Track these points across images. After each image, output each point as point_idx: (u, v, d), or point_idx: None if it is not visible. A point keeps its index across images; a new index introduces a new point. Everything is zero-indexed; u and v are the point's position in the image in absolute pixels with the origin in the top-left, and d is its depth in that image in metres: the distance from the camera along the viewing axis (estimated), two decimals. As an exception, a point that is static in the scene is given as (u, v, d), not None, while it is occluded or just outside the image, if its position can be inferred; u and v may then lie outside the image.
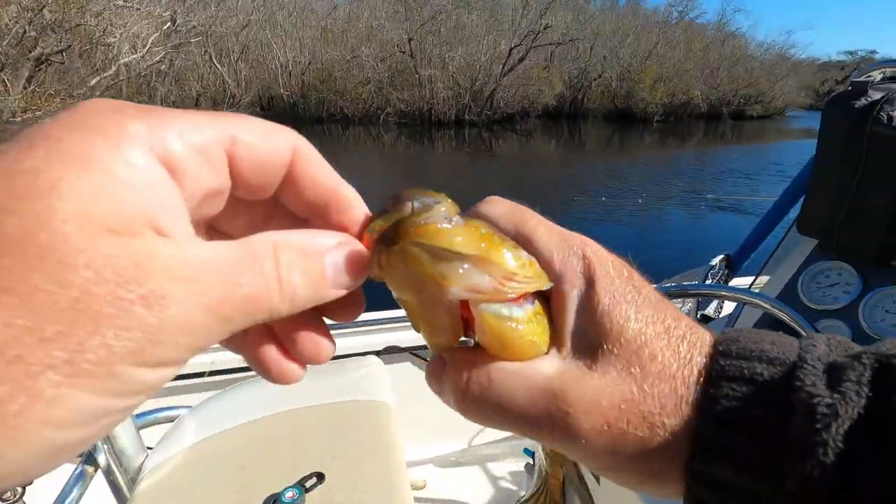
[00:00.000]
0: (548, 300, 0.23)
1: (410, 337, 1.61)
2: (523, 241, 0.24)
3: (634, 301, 0.23)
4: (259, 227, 0.22)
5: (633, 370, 0.21)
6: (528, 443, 1.62)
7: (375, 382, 1.03)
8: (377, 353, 1.49)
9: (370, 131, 21.17)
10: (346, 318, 0.23)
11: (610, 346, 0.22)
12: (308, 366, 0.22)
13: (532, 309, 0.22)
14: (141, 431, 0.91)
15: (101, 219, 0.15)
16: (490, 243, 0.21)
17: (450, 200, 0.22)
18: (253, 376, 1.15)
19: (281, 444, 0.88)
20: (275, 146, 0.20)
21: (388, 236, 0.21)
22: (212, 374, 1.41)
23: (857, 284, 1.14)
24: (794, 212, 1.38)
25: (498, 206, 0.25)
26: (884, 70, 1.22)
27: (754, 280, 1.53)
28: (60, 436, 0.14)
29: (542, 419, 0.22)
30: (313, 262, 0.19)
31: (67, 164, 0.15)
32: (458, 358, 0.23)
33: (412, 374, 1.63)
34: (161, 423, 1.02)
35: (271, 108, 24.74)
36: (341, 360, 1.13)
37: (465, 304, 0.21)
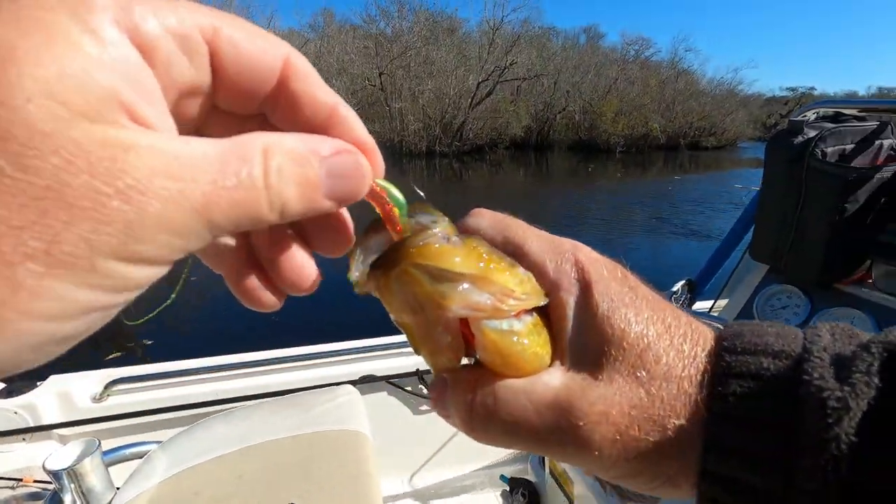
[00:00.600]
0: (546, 313, 0.23)
1: (387, 366, 1.60)
2: (514, 251, 0.23)
3: (633, 303, 0.22)
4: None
5: (638, 374, 0.21)
6: (506, 470, 1.62)
7: (351, 413, 1.03)
8: (353, 383, 1.48)
9: (342, 162, 20.98)
10: (333, 249, 0.21)
11: (613, 352, 0.21)
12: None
13: (532, 321, 0.22)
14: (109, 469, 0.88)
15: (68, 99, 0.13)
16: (488, 262, 0.21)
17: (447, 219, 0.22)
18: (224, 409, 1.13)
19: (253, 478, 0.86)
20: (265, 49, 0.18)
21: (386, 259, 0.20)
22: (182, 408, 1.37)
23: (805, 306, 1.22)
24: (748, 238, 1.47)
25: (485, 218, 0.25)
26: (817, 111, 1.34)
27: (714, 303, 1.60)
28: (44, 328, 0.14)
29: (553, 435, 0.21)
30: (307, 168, 0.17)
31: (24, 32, 0.13)
32: (461, 378, 0.22)
33: (389, 404, 1.61)
34: (130, 459, 0.98)
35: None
36: (315, 390, 1.12)
37: (464, 323, 0.21)
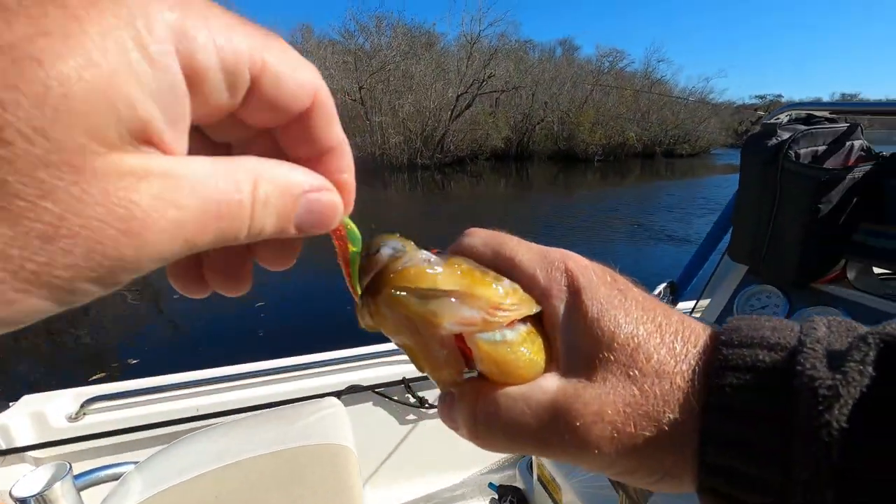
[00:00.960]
0: (541, 321, 0.24)
1: (373, 375, 1.58)
2: (506, 264, 0.24)
3: (622, 305, 0.23)
4: (241, 142, 0.21)
5: (630, 373, 0.21)
6: (494, 477, 1.60)
7: (334, 425, 1.00)
8: (338, 394, 1.45)
9: (322, 176, 21.03)
10: (276, 264, 0.22)
11: (605, 353, 0.22)
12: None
13: (525, 329, 0.23)
14: (82, 493, 0.84)
15: (98, 123, 0.13)
16: (472, 278, 0.22)
17: (413, 243, 0.22)
18: (201, 427, 1.09)
19: (232, 497, 0.83)
20: (301, 84, 0.18)
21: (373, 287, 0.21)
22: (161, 425, 1.32)
23: (783, 306, 1.25)
24: (727, 239, 1.50)
25: (477, 236, 0.26)
26: (790, 113, 1.38)
27: (695, 304, 1.62)
28: None
29: (552, 436, 0.22)
30: (289, 200, 0.18)
31: (76, 45, 0.12)
32: (465, 390, 0.23)
33: (376, 415, 1.59)
34: (104, 481, 0.94)
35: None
36: (297, 403, 1.10)
37: (460, 339, 0.22)
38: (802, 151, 1.20)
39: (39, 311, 0.14)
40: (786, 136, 1.22)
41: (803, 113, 1.33)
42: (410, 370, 1.64)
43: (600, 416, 0.21)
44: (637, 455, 0.21)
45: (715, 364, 0.21)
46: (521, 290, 0.23)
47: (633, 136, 29.85)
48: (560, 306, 0.23)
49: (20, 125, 0.12)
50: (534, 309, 0.23)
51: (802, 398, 0.19)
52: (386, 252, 0.21)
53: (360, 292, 0.22)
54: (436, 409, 1.78)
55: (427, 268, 0.21)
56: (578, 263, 0.24)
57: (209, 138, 0.20)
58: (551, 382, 0.22)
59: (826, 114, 1.31)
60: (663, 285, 1.57)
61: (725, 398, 0.20)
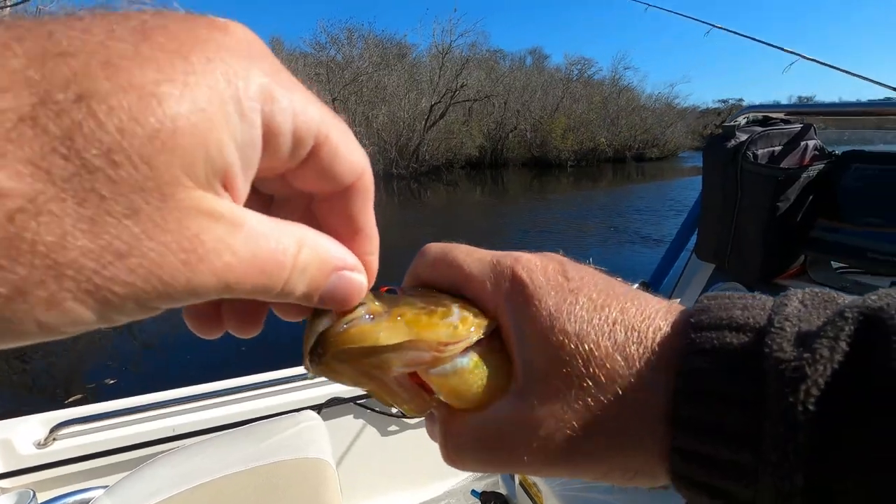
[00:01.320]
0: (500, 337, 0.24)
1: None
2: (458, 278, 0.24)
3: (572, 310, 0.22)
4: (283, 197, 0.22)
5: (584, 384, 0.21)
6: (477, 485, 1.60)
7: (311, 439, 0.99)
8: (319, 408, 1.43)
9: (296, 189, 20.90)
10: (289, 317, 0.23)
11: (556, 366, 0.21)
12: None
13: (479, 352, 0.23)
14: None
15: (187, 161, 0.14)
16: (417, 325, 0.22)
17: (371, 295, 0.22)
18: (173, 448, 1.06)
19: None
20: (352, 164, 0.20)
21: (317, 350, 0.21)
22: (133, 447, 1.27)
23: (749, 300, 1.29)
24: (694, 238, 1.54)
25: (429, 254, 0.26)
26: (747, 116, 1.43)
27: (667, 303, 1.66)
28: (33, 332, 0.14)
29: (519, 454, 0.22)
30: (324, 273, 0.19)
31: (189, 91, 0.14)
32: (438, 416, 0.24)
33: (357, 427, 1.57)
34: (72, 510, 0.90)
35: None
36: (273, 419, 1.07)
37: (415, 375, 0.23)
38: (760, 152, 1.24)
39: (84, 324, 0.14)
40: (743, 137, 1.27)
41: (760, 115, 1.38)
42: None
43: (558, 431, 0.21)
44: (605, 460, 0.21)
45: (681, 349, 0.21)
46: (472, 315, 0.23)
47: (603, 141, 30.51)
48: (511, 320, 0.23)
49: (132, 152, 0.13)
50: (485, 330, 0.23)
51: (770, 380, 0.18)
52: (325, 318, 0.22)
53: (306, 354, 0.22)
54: (418, 420, 1.79)
55: (366, 326, 0.21)
56: (527, 267, 0.24)
57: (255, 188, 0.21)
58: (508, 402, 0.22)
59: (782, 116, 1.37)
60: (636, 285, 1.60)
61: (694, 383, 0.20)
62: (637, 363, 0.21)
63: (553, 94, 30.75)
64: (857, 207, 1.16)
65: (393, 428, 1.65)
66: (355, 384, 0.23)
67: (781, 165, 1.23)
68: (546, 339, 0.22)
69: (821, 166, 1.22)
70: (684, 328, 0.21)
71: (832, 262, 1.28)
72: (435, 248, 0.26)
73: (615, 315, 0.22)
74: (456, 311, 0.23)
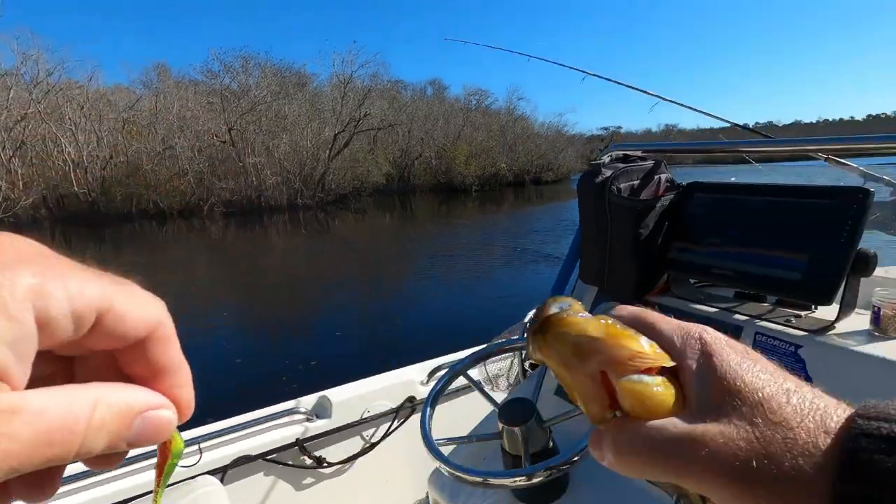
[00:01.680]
0: (675, 376, 0.27)
1: (264, 442, 1.46)
2: (648, 332, 0.28)
3: (750, 368, 0.25)
4: (84, 356, 0.23)
5: (754, 420, 0.24)
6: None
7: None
8: (222, 471, 1.33)
9: (193, 224, 19.57)
10: (100, 467, 0.23)
11: (730, 401, 0.25)
12: None
13: (661, 378, 0.27)
14: None
15: None
16: (615, 330, 0.27)
17: (579, 303, 0.29)
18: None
19: None
20: (142, 318, 0.21)
21: (541, 328, 0.28)
22: None
23: (626, 316, 1.45)
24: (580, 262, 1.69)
25: (626, 309, 0.30)
26: (611, 154, 1.62)
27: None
28: None
29: (684, 464, 0.25)
30: (125, 422, 0.20)
31: None
32: (611, 426, 0.27)
33: (268, 485, 1.47)
34: None
35: (63, 208, 21.32)
36: (166, 489, 0.99)
37: (607, 380, 0.27)
38: (622, 186, 1.42)
39: None
40: (608, 173, 1.44)
41: (621, 153, 1.59)
42: (302, 431, 1.57)
43: (725, 447, 0.24)
44: (760, 488, 0.23)
45: (850, 430, 0.23)
46: (657, 347, 0.27)
47: (504, 166, 32.24)
48: (693, 364, 0.26)
49: None
50: (669, 363, 0.27)
51: None
52: (554, 306, 0.28)
53: (158, 501, 0.24)
54: (334, 468, 1.72)
55: (580, 319, 0.27)
56: (713, 335, 0.27)
57: (54, 353, 0.22)
58: (682, 418, 0.26)
59: (639, 153, 1.58)
60: (533, 311, 1.73)
61: (862, 462, 0.21)
62: (806, 421, 0.24)
63: (454, 123, 32.02)
64: (701, 230, 1.37)
65: (308, 480, 1.58)
66: (556, 368, 0.28)
67: (640, 197, 1.41)
68: (725, 381, 0.25)
69: (672, 196, 1.42)
70: (851, 415, 0.24)
71: (689, 278, 1.48)
72: (630, 308, 0.30)
73: (789, 385, 0.25)
74: (645, 338, 0.28)
